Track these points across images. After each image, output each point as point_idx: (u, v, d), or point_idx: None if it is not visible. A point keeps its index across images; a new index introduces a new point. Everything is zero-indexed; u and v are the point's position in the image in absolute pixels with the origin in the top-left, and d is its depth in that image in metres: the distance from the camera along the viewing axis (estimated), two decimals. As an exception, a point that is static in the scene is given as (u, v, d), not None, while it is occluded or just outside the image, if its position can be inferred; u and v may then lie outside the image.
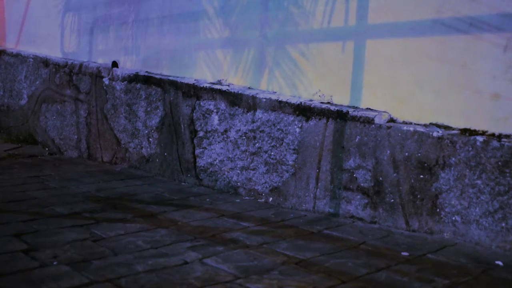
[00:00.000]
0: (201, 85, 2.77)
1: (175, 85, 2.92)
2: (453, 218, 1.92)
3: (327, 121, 2.25)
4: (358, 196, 2.17)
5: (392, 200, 2.07)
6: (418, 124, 2.04)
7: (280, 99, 2.42)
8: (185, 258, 1.72)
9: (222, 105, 2.65)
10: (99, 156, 3.48)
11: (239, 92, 2.58)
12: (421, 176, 1.99)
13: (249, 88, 2.63)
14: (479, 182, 1.85)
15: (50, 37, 4.09)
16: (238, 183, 2.61)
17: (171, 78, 2.99)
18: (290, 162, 2.38)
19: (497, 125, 1.86)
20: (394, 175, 2.06)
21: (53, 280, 1.53)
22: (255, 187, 2.52)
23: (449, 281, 1.57)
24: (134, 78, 3.19)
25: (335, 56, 2.31)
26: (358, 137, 2.16)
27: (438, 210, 1.95)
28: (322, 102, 2.33)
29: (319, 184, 2.29)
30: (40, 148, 4.01)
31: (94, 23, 3.65)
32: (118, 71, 3.32)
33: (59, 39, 4.00)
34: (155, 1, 3.15)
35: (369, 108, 2.20)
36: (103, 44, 3.58)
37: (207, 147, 2.74)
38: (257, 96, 2.50)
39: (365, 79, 2.22)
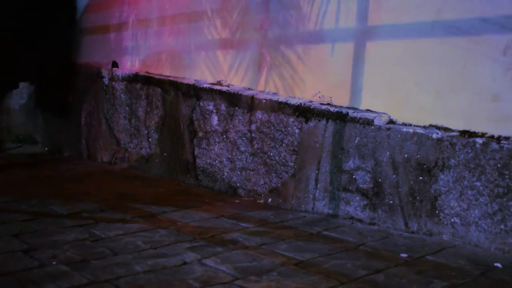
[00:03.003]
0: (201, 86, 2.77)
1: (175, 85, 2.92)
2: (452, 220, 1.92)
3: (327, 122, 2.25)
4: (357, 197, 2.17)
5: (391, 202, 2.07)
6: (417, 126, 2.04)
7: (279, 100, 2.42)
8: (184, 258, 1.72)
9: (222, 106, 2.65)
10: (99, 156, 3.49)
11: (239, 93, 2.58)
12: (420, 178, 1.99)
13: (249, 89, 2.63)
14: (478, 184, 1.86)
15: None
16: (238, 184, 2.61)
17: (171, 78, 2.99)
18: (290, 163, 2.38)
19: (496, 127, 1.86)
20: (393, 176, 2.06)
21: (52, 280, 1.53)
22: (255, 188, 2.52)
23: (448, 283, 1.57)
24: (134, 78, 3.19)
25: (335, 57, 2.32)
26: (357, 138, 2.16)
27: (437, 211, 1.96)
28: (321, 103, 2.33)
29: (318, 185, 2.29)
30: (39, 148, 4.01)
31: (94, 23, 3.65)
32: (118, 71, 3.32)
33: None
34: (156, 2, 3.15)
35: (369, 110, 2.20)
36: (103, 44, 3.58)
37: (206, 147, 2.74)
38: (257, 96, 2.50)
39: (365, 81, 2.22)
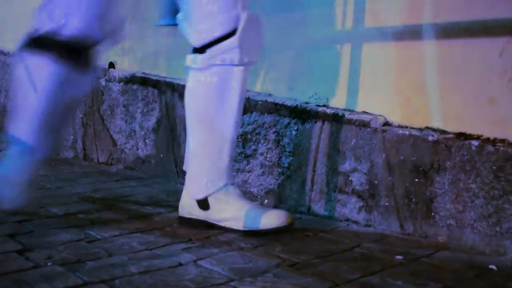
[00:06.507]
0: (198, 87, 2.76)
1: (172, 86, 2.92)
2: (448, 222, 1.92)
3: (323, 124, 2.25)
4: (353, 199, 2.17)
5: (387, 204, 2.07)
6: (413, 128, 2.05)
7: (276, 102, 2.42)
8: (179, 259, 1.72)
9: (219, 107, 2.65)
10: (95, 157, 3.48)
11: (236, 94, 2.58)
12: (416, 180, 1.99)
13: (245, 90, 2.63)
14: (474, 186, 1.86)
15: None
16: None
17: (168, 79, 2.99)
18: (286, 165, 2.38)
19: (492, 129, 1.87)
20: (389, 178, 2.06)
21: (47, 280, 1.53)
22: (251, 189, 2.52)
23: (443, 285, 1.57)
24: (130, 79, 3.19)
25: (331, 59, 2.32)
26: (353, 140, 2.16)
27: (432, 214, 1.96)
28: (318, 105, 2.33)
29: (314, 187, 2.29)
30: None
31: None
32: (114, 72, 3.32)
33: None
34: (153, 3, 3.14)
35: (365, 112, 2.21)
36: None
37: (203, 149, 2.74)
38: (253, 98, 2.50)
39: (361, 82, 2.23)
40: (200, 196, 2.02)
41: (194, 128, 2.04)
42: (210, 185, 2.02)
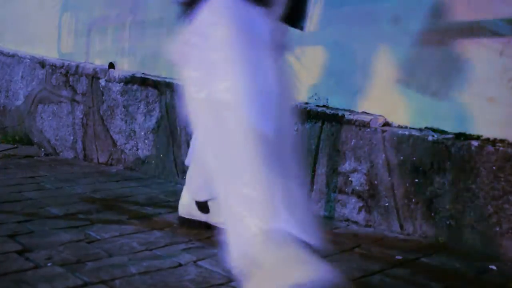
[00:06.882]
0: (198, 87, 2.76)
1: (172, 87, 2.92)
2: (448, 222, 1.92)
3: (323, 124, 2.25)
4: (353, 200, 2.17)
5: (387, 204, 2.07)
6: (413, 128, 2.05)
7: (276, 102, 2.42)
8: (179, 260, 1.72)
9: (218, 108, 2.65)
10: (95, 157, 3.48)
11: (235, 95, 2.58)
12: (416, 180, 1.99)
13: (245, 90, 2.62)
14: (473, 186, 1.86)
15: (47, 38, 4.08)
16: (234, 186, 2.60)
17: (167, 80, 2.99)
18: (286, 165, 2.38)
19: (492, 129, 1.87)
20: (389, 178, 2.06)
21: (47, 281, 1.53)
22: (251, 190, 2.52)
23: (443, 285, 1.57)
24: (130, 80, 3.19)
25: (331, 59, 2.32)
26: (353, 140, 2.16)
27: (432, 214, 1.96)
28: (318, 105, 2.33)
29: (314, 187, 2.29)
30: (36, 149, 4.00)
31: (91, 24, 3.65)
32: (114, 73, 3.32)
33: (56, 39, 4.00)
34: (153, 4, 3.15)
35: (365, 112, 2.20)
36: (100, 45, 3.58)
37: (203, 149, 2.74)
38: (253, 98, 2.50)
39: (361, 82, 2.22)
40: (201, 198, 2.02)
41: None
42: (211, 190, 2.00)
